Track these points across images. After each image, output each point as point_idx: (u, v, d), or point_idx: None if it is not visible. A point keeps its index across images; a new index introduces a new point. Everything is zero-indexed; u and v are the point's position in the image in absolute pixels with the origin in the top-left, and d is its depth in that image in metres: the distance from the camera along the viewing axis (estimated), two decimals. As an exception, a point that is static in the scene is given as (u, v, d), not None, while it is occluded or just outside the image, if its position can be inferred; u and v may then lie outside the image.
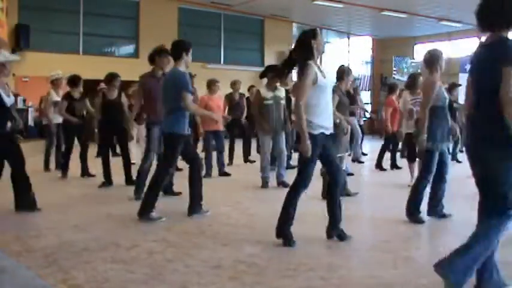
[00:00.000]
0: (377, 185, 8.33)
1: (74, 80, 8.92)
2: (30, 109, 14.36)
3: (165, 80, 5.78)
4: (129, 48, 20.73)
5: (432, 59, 5.35)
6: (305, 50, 4.42)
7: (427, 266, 3.90)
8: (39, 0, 17.96)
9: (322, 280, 3.51)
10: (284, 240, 4.44)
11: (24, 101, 14.98)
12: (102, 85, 10.85)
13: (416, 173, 6.90)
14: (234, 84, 10.89)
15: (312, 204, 6.59)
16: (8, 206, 6.09)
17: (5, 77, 5.74)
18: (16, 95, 15.34)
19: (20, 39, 16.72)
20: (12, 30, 16.69)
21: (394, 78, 23.82)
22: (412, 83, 7.91)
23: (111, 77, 8.18)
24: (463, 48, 24.62)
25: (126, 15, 20.30)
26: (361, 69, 27.65)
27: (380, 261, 3.95)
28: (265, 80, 8.01)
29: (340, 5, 20.38)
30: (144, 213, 5.40)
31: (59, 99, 9.15)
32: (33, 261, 3.89)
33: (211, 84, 9.08)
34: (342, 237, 4.57)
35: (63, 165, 8.83)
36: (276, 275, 3.61)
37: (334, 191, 4.61)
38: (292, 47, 4.52)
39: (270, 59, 23.32)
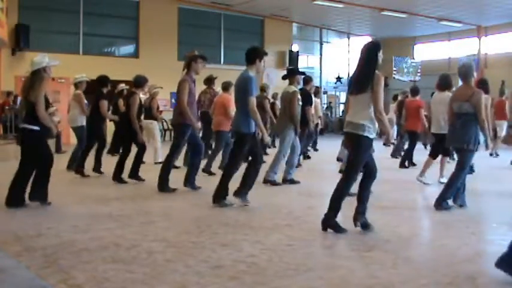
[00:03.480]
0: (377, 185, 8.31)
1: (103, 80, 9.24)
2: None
3: (237, 81, 6.22)
4: (129, 48, 20.73)
5: (470, 71, 5.99)
6: (375, 62, 4.83)
7: (427, 266, 3.91)
8: (39, 0, 17.97)
9: (322, 280, 3.51)
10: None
11: (24, 101, 14.97)
12: (123, 85, 10.98)
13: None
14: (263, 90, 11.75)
15: (311, 204, 6.60)
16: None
17: (47, 80, 6.08)
18: (16, 95, 15.37)
19: (20, 39, 16.72)
20: (12, 30, 16.70)
21: (394, 78, 23.81)
22: (448, 84, 8.13)
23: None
24: (463, 48, 24.63)
25: (126, 15, 20.30)
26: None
27: (380, 261, 3.95)
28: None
29: (340, 5, 20.38)
30: (219, 200, 6.08)
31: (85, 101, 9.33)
32: (33, 261, 3.89)
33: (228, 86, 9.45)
34: (367, 225, 4.87)
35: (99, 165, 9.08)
36: (276, 275, 3.61)
37: (370, 183, 4.98)
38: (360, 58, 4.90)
39: (270, 59, 23.28)
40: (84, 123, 9.34)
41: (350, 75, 29.49)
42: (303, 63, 24.52)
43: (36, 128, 5.91)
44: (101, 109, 9.02)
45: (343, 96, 28.36)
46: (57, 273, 3.60)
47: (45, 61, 5.94)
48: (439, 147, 7.90)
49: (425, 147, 13.63)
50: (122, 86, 11.22)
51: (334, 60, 27.14)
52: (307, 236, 4.73)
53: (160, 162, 10.68)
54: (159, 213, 5.81)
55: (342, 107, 28.41)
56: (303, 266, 3.80)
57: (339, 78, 26.03)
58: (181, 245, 4.39)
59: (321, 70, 26.33)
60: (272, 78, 20.71)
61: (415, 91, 10.91)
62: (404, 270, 3.76)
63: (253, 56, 6.17)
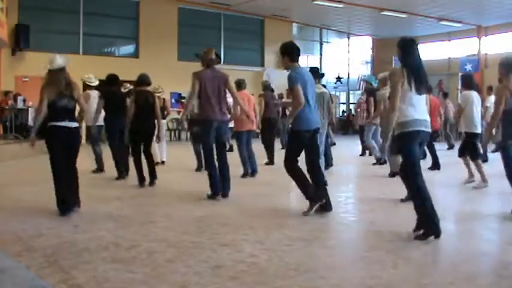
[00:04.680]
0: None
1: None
2: (30, 109, 14.35)
3: (309, 79, 5.93)
4: (129, 48, 20.75)
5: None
6: None
7: (428, 266, 3.90)
8: (39, 0, 17.98)
9: (322, 280, 3.51)
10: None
11: (24, 101, 14.97)
12: (129, 85, 10.90)
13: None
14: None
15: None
16: (7, 206, 6.10)
17: None
18: (16, 95, 15.37)
19: (20, 39, 16.74)
20: (12, 30, 16.71)
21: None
22: (475, 82, 8.18)
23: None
24: (463, 48, 24.64)
25: (126, 15, 20.32)
26: (361, 69, 27.67)
27: (380, 261, 3.95)
28: None
29: (340, 5, 20.40)
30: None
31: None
32: (33, 261, 3.89)
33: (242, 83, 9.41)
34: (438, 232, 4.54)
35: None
36: (276, 275, 3.60)
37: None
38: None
39: (270, 59, 23.33)
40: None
41: (350, 75, 29.41)
42: (303, 63, 24.53)
43: (78, 125, 5.84)
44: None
45: (343, 96, 28.38)
46: (57, 273, 3.60)
47: (66, 60, 5.92)
48: (476, 147, 7.85)
49: (450, 148, 13.90)
50: (128, 85, 11.15)
51: (334, 60, 27.15)
52: (307, 236, 4.72)
53: (160, 162, 10.66)
54: (159, 213, 5.81)
55: (342, 107, 28.44)
56: (303, 266, 3.80)
57: (339, 78, 26.04)
58: (181, 245, 4.39)
59: (321, 70, 26.34)
60: (273, 78, 20.72)
61: (429, 89, 10.87)
62: (405, 270, 3.76)
63: (299, 52, 6.04)
